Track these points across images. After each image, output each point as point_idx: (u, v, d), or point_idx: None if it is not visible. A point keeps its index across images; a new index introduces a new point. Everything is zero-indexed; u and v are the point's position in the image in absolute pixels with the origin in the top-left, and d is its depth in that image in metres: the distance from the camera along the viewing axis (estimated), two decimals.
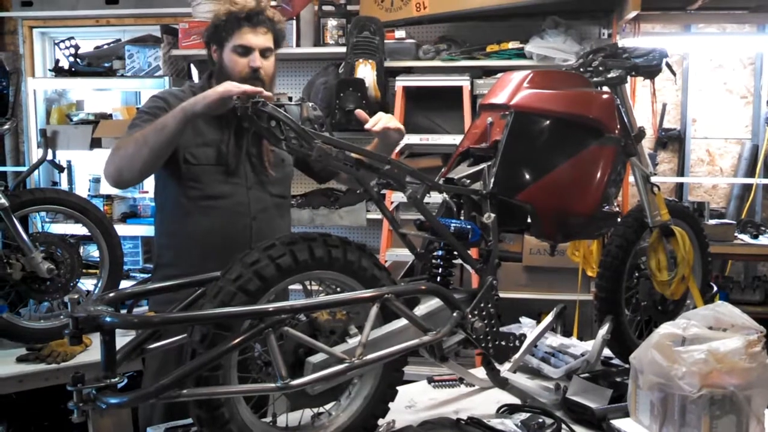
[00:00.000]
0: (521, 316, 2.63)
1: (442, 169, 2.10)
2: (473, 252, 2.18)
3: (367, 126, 2.09)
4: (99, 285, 3.12)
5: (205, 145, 2.23)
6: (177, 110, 2.01)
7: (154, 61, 4.51)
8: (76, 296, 1.44)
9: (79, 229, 3.27)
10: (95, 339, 1.60)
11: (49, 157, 4.33)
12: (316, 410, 1.74)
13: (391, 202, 3.99)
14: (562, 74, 2.23)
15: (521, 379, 2.17)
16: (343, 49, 4.16)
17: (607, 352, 2.32)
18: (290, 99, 4.41)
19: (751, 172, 4.88)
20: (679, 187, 5.04)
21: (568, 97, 2.05)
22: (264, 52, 2.23)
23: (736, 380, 1.60)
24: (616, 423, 1.78)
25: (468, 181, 1.98)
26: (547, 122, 2.01)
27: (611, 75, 2.23)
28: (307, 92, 4.31)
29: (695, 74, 4.95)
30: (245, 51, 2.21)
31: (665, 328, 1.73)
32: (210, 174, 2.23)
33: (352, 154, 1.74)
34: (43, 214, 3.37)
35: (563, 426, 1.88)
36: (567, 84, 2.11)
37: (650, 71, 2.28)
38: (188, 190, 2.21)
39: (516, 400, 2.08)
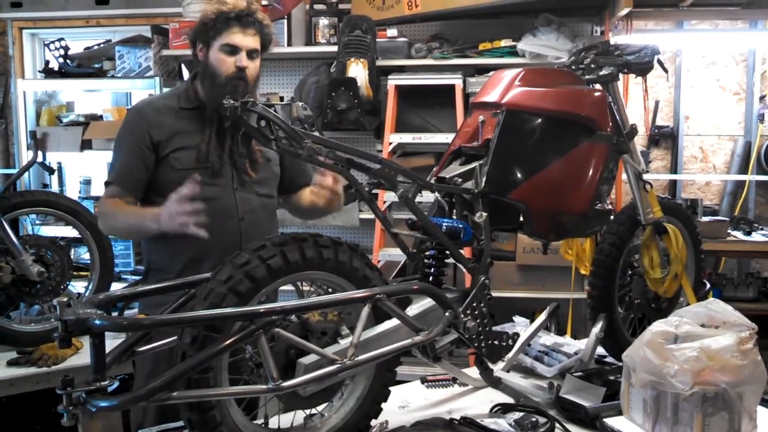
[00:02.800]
0: (515, 315, 2.63)
1: (434, 168, 2.10)
2: (466, 251, 2.17)
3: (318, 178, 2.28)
4: (90, 287, 3.11)
5: (189, 148, 2.23)
6: (149, 221, 2.10)
7: (144, 61, 4.49)
8: (65, 299, 1.43)
9: (70, 232, 3.25)
10: (86, 342, 1.59)
11: (39, 159, 4.30)
12: (308, 412, 1.73)
13: (384, 202, 3.98)
14: (553, 72, 2.23)
15: (515, 379, 2.16)
16: (335, 48, 4.15)
17: (600, 350, 2.32)
18: (281, 99, 4.40)
19: (744, 169, 4.89)
20: (672, 184, 5.05)
21: (559, 95, 2.04)
22: (251, 54, 2.23)
23: (728, 377, 1.60)
24: (610, 421, 1.78)
25: (460, 180, 1.97)
26: (539, 120, 2.00)
27: (603, 72, 2.23)
28: (298, 92, 4.29)
29: (688, 71, 4.95)
30: (232, 50, 2.20)
31: (657, 326, 1.73)
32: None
33: (343, 154, 1.73)
34: (33, 216, 3.35)
35: (557, 425, 1.88)
36: (559, 82, 2.10)
37: (642, 68, 2.28)
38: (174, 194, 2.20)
39: (509, 400, 2.08)
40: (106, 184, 2.29)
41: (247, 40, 2.21)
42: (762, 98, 4.90)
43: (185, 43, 4.18)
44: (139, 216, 2.17)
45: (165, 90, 4.21)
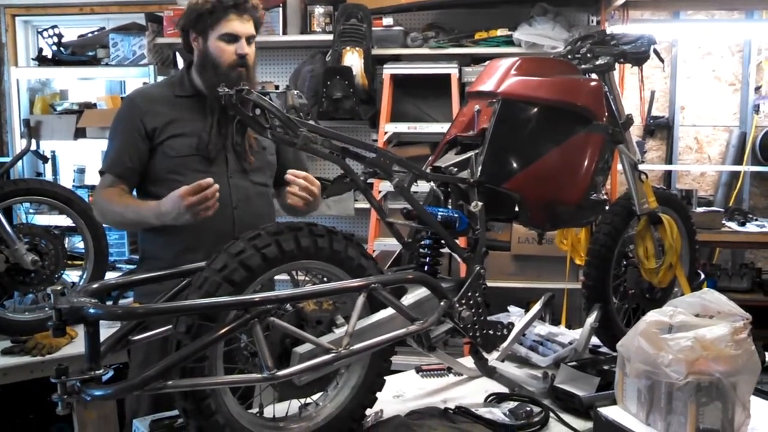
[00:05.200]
0: (509, 304, 2.63)
1: (430, 158, 2.09)
2: (461, 241, 2.17)
3: (287, 176, 2.16)
4: (84, 276, 3.10)
5: (185, 135, 2.23)
6: (153, 213, 2.10)
7: (138, 49, 4.46)
8: (59, 287, 1.43)
9: (64, 220, 3.23)
10: (81, 331, 1.59)
11: (33, 147, 4.25)
12: (303, 401, 1.73)
13: (379, 192, 3.98)
14: (549, 61, 2.22)
15: (509, 368, 2.16)
16: (330, 37, 4.12)
17: (595, 340, 2.33)
18: (276, 87, 4.38)
19: (738, 160, 4.90)
20: (668, 174, 5.06)
21: (555, 85, 2.04)
22: (248, 39, 2.23)
23: (722, 367, 1.60)
24: (604, 411, 1.78)
25: (455, 169, 1.97)
26: (535, 110, 2.00)
27: (599, 62, 2.22)
28: (293, 80, 4.27)
29: (684, 61, 4.95)
30: (232, 39, 2.20)
31: (652, 316, 1.73)
32: (189, 164, 2.22)
33: (338, 143, 1.73)
34: (27, 205, 3.32)
35: (551, 414, 1.89)
36: (555, 71, 2.10)
37: (638, 58, 2.27)
38: (169, 183, 2.19)
39: (504, 389, 2.08)
40: (101, 173, 2.30)
41: (245, 26, 2.22)
42: (757, 89, 4.90)
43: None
44: (137, 212, 2.17)
45: (159, 78, 4.19)
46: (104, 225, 2.52)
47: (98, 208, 2.31)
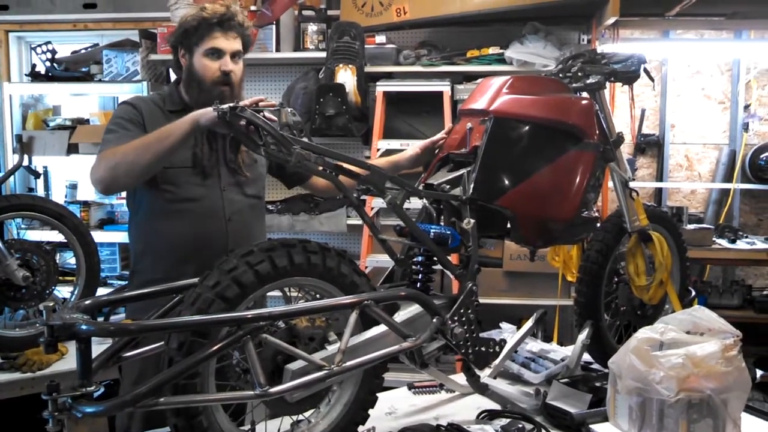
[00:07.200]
0: (502, 321, 2.64)
1: (422, 175, 2.10)
2: (453, 258, 2.17)
3: None
4: (75, 292, 3.07)
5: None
6: (185, 121, 1.98)
7: (132, 65, 4.47)
8: (51, 304, 1.42)
9: (56, 236, 3.22)
10: (71, 347, 1.59)
11: (25, 162, 4.28)
12: (295, 418, 1.73)
13: (372, 208, 3.99)
14: (541, 80, 2.24)
15: (501, 385, 2.17)
16: (323, 54, 4.15)
17: (586, 357, 2.33)
18: None
19: (728, 177, 4.95)
20: (658, 192, 5.09)
21: (547, 103, 2.06)
22: (234, 56, 2.24)
23: (713, 384, 1.61)
24: (596, 428, 1.79)
25: (447, 186, 1.98)
26: (527, 128, 2.01)
27: (590, 80, 2.24)
28: (286, 97, 4.29)
29: (673, 80, 5.01)
30: (217, 54, 2.21)
31: (643, 333, 1.74)
32: (184, 176, 2.22)
33: (331, 160, 1.74)
34: (18, 220, 3.31)
35: (543, 431, 1.88)
36: (546, 89, 2.11)
37: (629, 77, 2.30)
38: (162, 193, 2.20)
39: (496, 406, 2.08)
40: (100, 152, 2.15)
41: (230, 43, 2.22)
42: (746, 107, 4.95)
43: None
44: (168, 127, 2.00)
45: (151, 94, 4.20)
46: (111, 189, 2.21)
47: (113, 161, 2.06)
